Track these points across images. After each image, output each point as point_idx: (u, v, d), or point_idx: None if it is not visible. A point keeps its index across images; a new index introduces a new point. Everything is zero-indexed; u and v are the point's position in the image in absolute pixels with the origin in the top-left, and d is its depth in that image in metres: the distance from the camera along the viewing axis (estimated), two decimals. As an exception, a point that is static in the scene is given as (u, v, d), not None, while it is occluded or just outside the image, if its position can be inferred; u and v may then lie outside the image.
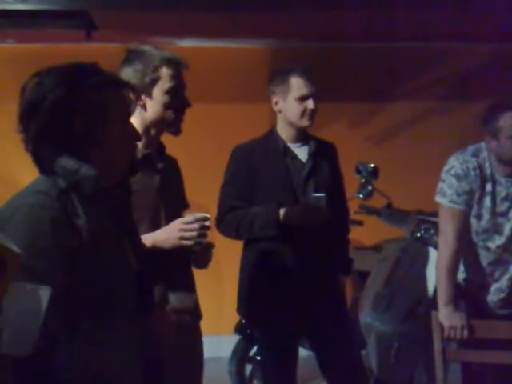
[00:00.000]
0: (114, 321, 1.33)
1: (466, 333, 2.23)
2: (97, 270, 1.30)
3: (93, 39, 3.29)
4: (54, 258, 1.24)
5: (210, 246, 1.90)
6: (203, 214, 1.80)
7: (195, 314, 1.95)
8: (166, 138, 1.99)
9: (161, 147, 1.97)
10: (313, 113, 2.42)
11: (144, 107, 1.84)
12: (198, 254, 1.90)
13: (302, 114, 2.40)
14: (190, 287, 1.95)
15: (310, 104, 2.40)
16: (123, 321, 1.35)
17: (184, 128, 1.94)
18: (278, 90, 2.43)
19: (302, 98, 2.40)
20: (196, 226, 1.78)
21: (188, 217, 1.81)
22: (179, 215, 1.90)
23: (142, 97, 1.83)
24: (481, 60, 4.19)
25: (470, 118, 4.00)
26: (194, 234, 1.78)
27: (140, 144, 1.79)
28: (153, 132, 1.90)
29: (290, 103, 2.41)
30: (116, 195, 1.42)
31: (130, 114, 1.45)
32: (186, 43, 3.76)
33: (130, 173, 1.45)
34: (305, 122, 2.43)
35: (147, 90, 1.83)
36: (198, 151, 3.98)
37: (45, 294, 1.14)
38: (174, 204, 1.94)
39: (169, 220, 1.85)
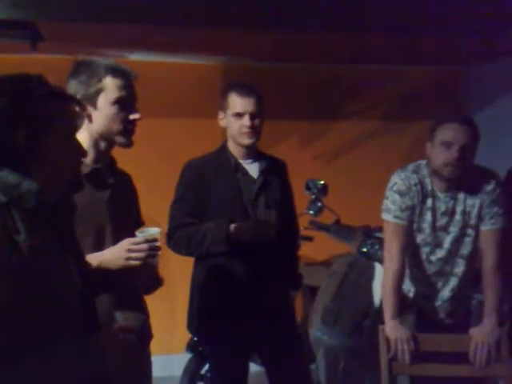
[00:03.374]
0: (55, 339, 1.29)
1: (411, 345, 2.29)
2: (37, 286, 1.26)
3: (39, 50, 3.23)
4: None
5: (149, 267, 1.80)
6: (154, 234, 1.75)
7: (143, 333, 1.92)
8: (116, 153, 1.97)
9: (112, 162, 1.95)
10: (250, 130, 2.40)
11: (90, 118, 1.81)
12: (139, 275, 1.82)
13: (239, 131, 2.42)
14: (137, 306, 1.91)
15: (246, 121, 2.39)
16: (64, 339, 1.31)
17: (134, 142, 1.92)
18: (221, 106, 2.47)
19: (238, 115, 2.41)
20: (145, 246, 1.73)
21: (137, 237, 1.75)
22: (130, 232, 1.85)
23: (88, 108, 1.79)
24: (419, 82, 4.37)
25: (411, 137, 4.16)
26: (142, 254, 1.72)
27: (89, 158, 1.77)
28: (102, 146, 1.87)
29: (229, 119, 2.44)
30: (59, 211, 1.39)
31: (75, 128, 1.42)
32: (136, 57, 3.76)
33: (74, 188, 1.42)
34: (244, 140, 2.43)
35: (92, 100, 1.79)
36: (147, 167, 3.96)
37: None
38: (123, 220, 1.90)
39: (116, 236, 1.81)
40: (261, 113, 2.43)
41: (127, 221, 1.94)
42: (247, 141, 2.43)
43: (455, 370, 2.35)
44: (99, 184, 1.85)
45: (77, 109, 1.41)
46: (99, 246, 1.80)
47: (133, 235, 1.79)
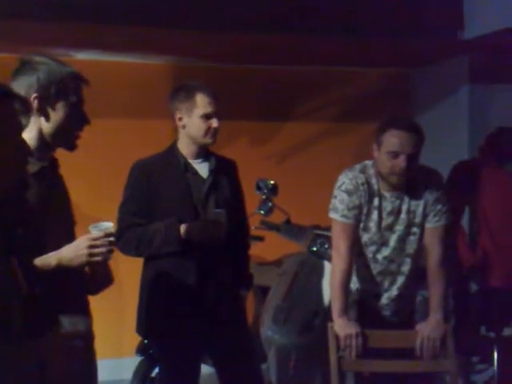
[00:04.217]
0: None
1: (360, 340, 2.33)
2: None
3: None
4: None
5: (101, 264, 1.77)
6: (109, 228, 1.72)
7: (89, 337, 1.89)
8: (61, 153, 1.94)
9: (54, 162, 1.91)
10: (216, 131, 2.45)
11: (47, 118, 1.79)
12: (95, 274, 1.81)
13: (206, 132, 2.43)
14: (83, 310, 1.86)
15: (214, 122, 2.42)
16: (7, 346, 1.27)
17: (80, 143, 1.90)
18: (182, 106, 2.44)
19: (207, 116, 2.42)
20: (105, 241, 1.70)
21: (96, 232, 1.72)
22: (70, 232, 1.83)
23: (47, 108, 1.77)
24: (370, 83, 4.45)
25: (360, 138, 4.23)
26: (104, 249, 1.69)
27: (35, 157, 1.74)
28: (48, 146, 1.84)
29: (195, 120, 2.43)
30: (5, 210, 1.36)
31: (20, 127, 1.39)
32: (83, 56, 3.69)
33: (20, 188, 1.39)
34: (208, 140, 2.46)
35: (51, 102, 1.77)
36: (94, 167, 3.90)
37: None
38: (63, 220, 1.86)
39: (55, 236, 1.76)
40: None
41: (66, 221, 1.90)
42: (211, 140, 2.46)
43: (402, 366, 2.40)
44: (43, 184, 1.81)
45: (21, 108, 1.37)
46: (41, 247, 1.74)
47: (71, 236, 1.75)
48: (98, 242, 1.69)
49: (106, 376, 3.20)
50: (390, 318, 2.54)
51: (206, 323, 2.42)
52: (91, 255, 1.68)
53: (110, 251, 1.71)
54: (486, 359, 3.08)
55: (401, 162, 2.31)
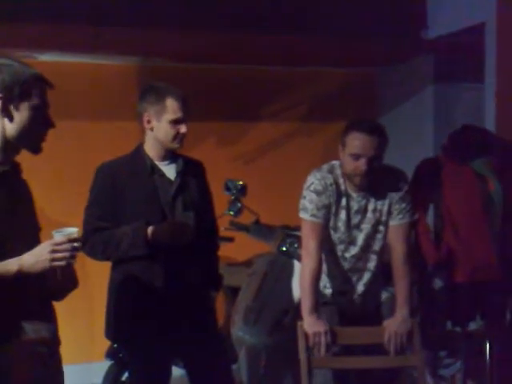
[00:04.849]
0: None
1: (329, 338, 2.36)
2: None
3: None
4: None
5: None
6: (74, 233, 1.70)
7: (54, 343, 1.86)
8: (27, 157, 1.92)
9: (16, 167, 1.89)
10: (184, 136, 2.43)
11: (11, 119, 1.76)
12: (61, 278, 1.79)
13: (174, 137, 2.41)
14: (47, 316, 1.83)
15: (183, 128, 2.41)
16: None
17: (45, 146, 1.88)
18: (151, 108, 2.41)
19: (176, 122, 2.40)
20: (68, 246, 1.67)
21: (59, 237, 1.69)
22: (34, 238, 1.80)
23: (10, 109, 1.75)
24: (337, 84, 4.49)
25: (328, 138, 4.27)
26: (67, 255, 1.66)
27: None
28: (11, 149, 1.82)
29: (163, 125, 2.40)
30: None
31: None
32: (46, 57, 3.64)
33: None
34: (175, 145, 2.44)
35: (14, 103, 1.75)
36: (60, 170, 3.86)
37: None
38: (27, 226, 1.83)
39: (19, 243, 1.73)
40: None
41: (30, 226, 1.88)
42: (178, 145, 2.45)
43: (370, 362, 2.44)
44: (4, 188, 1.79)
45: None
46: (4, 253, 1.71)
47: (36, 242, 1.73)
48: (60, 247, 1.66)
49: (77, 381, 3.15)
50: (358, 314, 2.57)
51: (175, 325, 2.41)
52: (53, 260, 1.66)
53: (73, 256, 1.69)
54: (452, 354, 3.14)
55: (361, 164, 2.36)
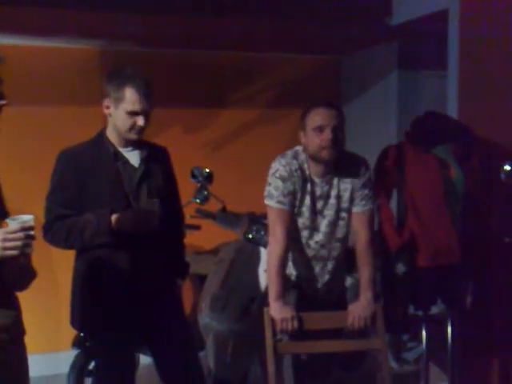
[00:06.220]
0: None
1: (295, 323, 2.38)
2: None
3: None
4: None
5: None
6: (28, 221, 1.63)
7: (15, 331, 1.83)
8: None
9: None
10: (141, 129, 2.35)
11: None
12: (14, 267, 1.72)
13: (130, 128, 2.34)
14: (6, 303, 1.79)
15: (140, 120, 2.33)
16: None
17: (6, 132, 1.83)
18: (111, 95, 2.34)
19: (133, 113, 2.33)
20: (21, 235, 1.61)
21: (12, 225, 1.63)
22: None
23: None
24: (302, 70, 4.50)
25: (293, 124, 4.25)
26: (19, 243, 1.61)
27: None
28: None
29: (120, 113, 2.34)
30: None
31: None
32: (6, 41, 3.55)
33: None
34: (132, 136, 2.37)
35: None
36: (21, 156, 3.78)
37: None
38: None
39: None
40: None
41: None
42: (135, 137, 2.37)
43: (334, 346, 2.48)
44: None
45: None
46: None
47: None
48: (13, 236, 1.61)
49: (43, 370, 3.12)
50: (324, 300, 2.60)
51: (141, 313, 2.39)
52: (5, 249, 1.60)
53: (28, 245, 1.63)
54: (415, 337, 3.20)
55: (327, 134, 2.40)
